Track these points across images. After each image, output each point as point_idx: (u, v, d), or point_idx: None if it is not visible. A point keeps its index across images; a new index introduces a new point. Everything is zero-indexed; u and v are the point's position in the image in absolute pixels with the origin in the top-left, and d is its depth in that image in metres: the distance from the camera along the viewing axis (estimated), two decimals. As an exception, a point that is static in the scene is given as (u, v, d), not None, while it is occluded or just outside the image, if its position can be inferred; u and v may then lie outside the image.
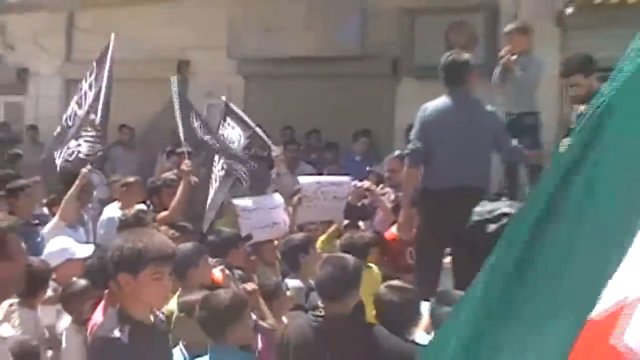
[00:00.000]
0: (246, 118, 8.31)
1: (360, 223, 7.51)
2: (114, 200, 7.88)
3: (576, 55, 6.23)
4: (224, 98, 8.49)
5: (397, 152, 7.49)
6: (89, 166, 7.23)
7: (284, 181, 9.21)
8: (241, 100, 11.62)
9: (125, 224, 5.75)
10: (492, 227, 5.15)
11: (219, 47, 12.55)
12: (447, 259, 6.03)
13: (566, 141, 5.51)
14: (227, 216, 7.37)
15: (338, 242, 6.19)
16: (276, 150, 8.56)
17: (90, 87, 7.37)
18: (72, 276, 5.00)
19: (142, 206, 6.73)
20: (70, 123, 7.47)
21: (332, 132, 11.88)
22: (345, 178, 7.75)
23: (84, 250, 5.56)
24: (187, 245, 5.20)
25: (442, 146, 5.76)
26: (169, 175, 7.75)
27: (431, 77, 6.37)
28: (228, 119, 8.23)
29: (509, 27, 7.10)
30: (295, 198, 7.25)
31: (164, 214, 6.87)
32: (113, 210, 7.34)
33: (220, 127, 8.20)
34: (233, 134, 8.15)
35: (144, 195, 7.47)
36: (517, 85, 6.86)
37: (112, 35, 7.59)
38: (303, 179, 7.60)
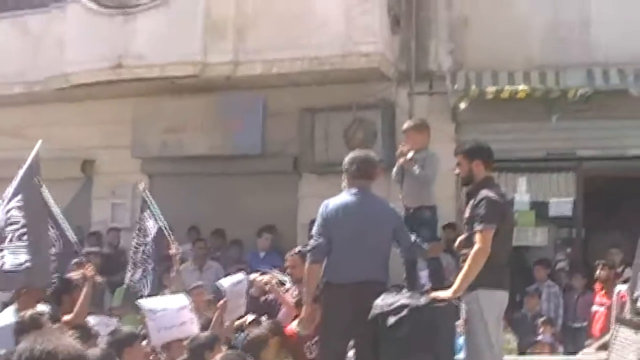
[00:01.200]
0: (156, 213, 8.40)
1: (263, 318, 7.54)
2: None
3: (471, 140, 6.44)
4: (142, 187, 8.69)
5: (297, 249, 7.41)
6: None
7: (186, 278, 9.16)
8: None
9: (21, 327, 5.59)
10: (392, 319, 5.16)
11: (124, 147, 12.50)
12: (350, 353, 5.98)
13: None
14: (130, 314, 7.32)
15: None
16: (175, 249, 8.46)
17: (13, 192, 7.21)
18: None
19: (43, 308, 6.50)
20: None
21: (237, 229, 11.82)
22: (240, 275, 7.84)
23: None
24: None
25: (343, 241, 5.71)
26: (75, 275, 7.53)
27: (331, 173, 6.40)
28: (146, 212, 8.43)
29: (406, 125, 7.06)
30: (221, 302, 7.31)
31: (68, 317, 6.72)
32: (8, 317, 6.92)
33: (140, 220, 8.41)
34: (149, 226, 8.36)
35: (41, 297, 7.10)
36: (415, 181, 6.77)
37: (39, 142, 7.60)
38: (225, 282, 7.66)
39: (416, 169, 6.67)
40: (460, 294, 5.44)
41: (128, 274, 8.61)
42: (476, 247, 5.39)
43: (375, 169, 6.02)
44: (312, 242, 5.83)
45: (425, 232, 6.55)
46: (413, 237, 6.08)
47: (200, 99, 12.13)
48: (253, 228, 11.54)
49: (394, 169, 6.94)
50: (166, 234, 8.35)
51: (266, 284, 7.61)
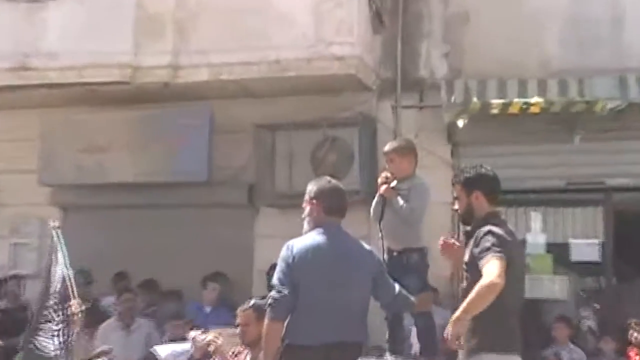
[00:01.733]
0: (64, 257, 8.33)
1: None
2: None
3: (471, 166, 6.32)
4: (53, 224, 8.56)
5: (252, 301, 7.34)
6: None
7: (110, 339, 9.14)
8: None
9: None
10: (373, 390, 5.03)
11: (29, 171, 12.37)
12: None
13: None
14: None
15: None
16: (75, 306, 8.22)
17: None
18: None
19: None
20: None
21: (176, 276, 11.66)
22: (187, 344, 7.95)
23: None
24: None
25: (311, 293, 5.73)
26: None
27: (295, 206, 6.40)
28: (54, 255, 8.38)
29: (387, 147, 7.19)
30: None
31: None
32: None
33: (48, 266, 8.39)
34: (57, 273, 8.29)
35: None
36: (397, 218, 6.91)
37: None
38: (163, 351, 7.76)
39: (399, 202, 6.78)
40: (460, 329, 5.39)
41: (31, 335, 8.42)
42: (484, 278, 5.39)
43: (347, 204, 6.10)
44: (272, 294, 5.80)
45: (413, 280, 6.63)
46: (397, 287, 6.14)
47: (128, 112, 11.97)
48: (196, 276, 11.38)
49: (373, 203, 7.03)
50: (68, 285, 8.22)
51: (209, 344, 7.59)
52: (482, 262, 5.46)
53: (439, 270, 7.66)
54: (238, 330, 7.33)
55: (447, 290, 10.14)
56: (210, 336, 7.73)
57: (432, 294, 7.24)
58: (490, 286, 5.30)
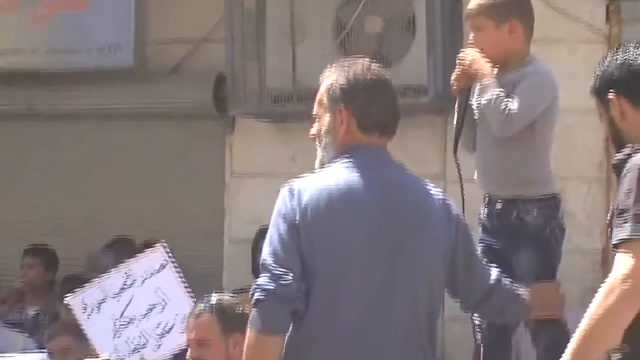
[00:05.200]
0: None
1: None
2: None
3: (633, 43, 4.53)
4: None
5: (212, 299, 5.57)
6: None
7: None
8: None
9: None
10: None
11: None
12: None
13: None
14: None
15: None
16: None
17: None
18: None
19: None
20: None
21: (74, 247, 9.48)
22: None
23: None
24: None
25: (339, 284, 4.35)
26: None
27: (303, 117, 5.47)
28: None
29: (473, 3, 5.50)
30: None
31: None
32: None
33: None
34: None
35: None
36: (502, 138, 5.37)
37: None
38: None
39: (497, 101, 5.35)
40: None
41: None
42: (611, 277, 3.97)
43: (400, 113, 4.75)
44: (262, 283, 4.34)
45: (530, 257, 5.27)
46: (496, 272, 4.74)
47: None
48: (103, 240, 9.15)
49: (456, 109, 5.67)
50: None
51: None
52: (614, 238, 4.00)
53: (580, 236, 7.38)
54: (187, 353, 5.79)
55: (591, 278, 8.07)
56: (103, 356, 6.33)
57: (559, 283, 5.39)
58: (617, 293, 3.96)
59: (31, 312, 9.13)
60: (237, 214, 9.08)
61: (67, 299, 6.71)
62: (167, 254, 6.90)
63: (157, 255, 6.92)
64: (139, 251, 8.32)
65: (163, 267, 6.98)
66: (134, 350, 6.48)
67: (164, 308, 6.84)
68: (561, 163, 6.44)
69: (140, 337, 6.61)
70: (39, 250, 9.20)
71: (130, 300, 6.63)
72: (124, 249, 9.10)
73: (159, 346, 6.56)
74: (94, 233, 9.53)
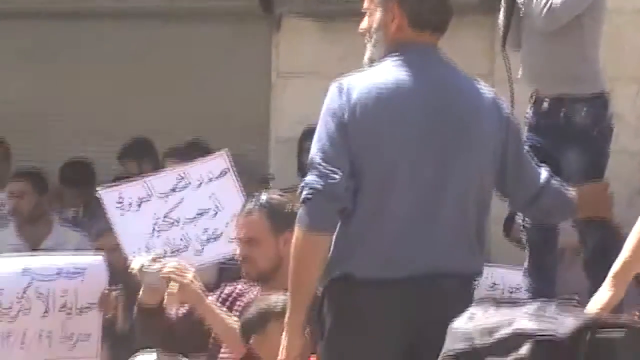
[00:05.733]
0: None
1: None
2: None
3: None
4: None
5: (262, 197, 5.70)
6: None
7: None
8: None
9: None
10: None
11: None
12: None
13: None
14: None
15: None
16: None
17: None
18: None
19: None
20: None
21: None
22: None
23: None
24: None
25: (388, 182, 4.43)
26: None
27: (351, 14, 5.42)
28: None
29: None
30: None
31: None
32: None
33: None
34: None
35: None
36: (549, 33, 5.48)
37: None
38: None
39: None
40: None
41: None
42: None
43: (451, 9, 4.76)
44: (310, 181, 4.43)
45: (578, 158, 5.50)
46: (546, 172, 4.80)
47: None
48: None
49: (501, 13, 5.79)
50: None
51: (168, 280, 5.85)
52: None
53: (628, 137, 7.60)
54: (236, 251, 5.89)
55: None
56: (172, 264, 5.85)
57: (606, 182, 5.48)
58: None
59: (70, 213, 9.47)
60: (283, 113, 9.33)
61: (101, 191, 6.78)
62: (229, 161, 6.99)
63: (218, 161, 7.03)
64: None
65: (224, 174, 7.10)
66: (172, 252, 6.58)
67: (215, 214, 6.96)
68: (609, 63, 6.43)
69: (182, 240, 6.73)
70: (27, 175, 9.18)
71: (180, 202, 6.74)
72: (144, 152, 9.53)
73: (201, 251, 6.71)
74: (141, 131, 9.56)
